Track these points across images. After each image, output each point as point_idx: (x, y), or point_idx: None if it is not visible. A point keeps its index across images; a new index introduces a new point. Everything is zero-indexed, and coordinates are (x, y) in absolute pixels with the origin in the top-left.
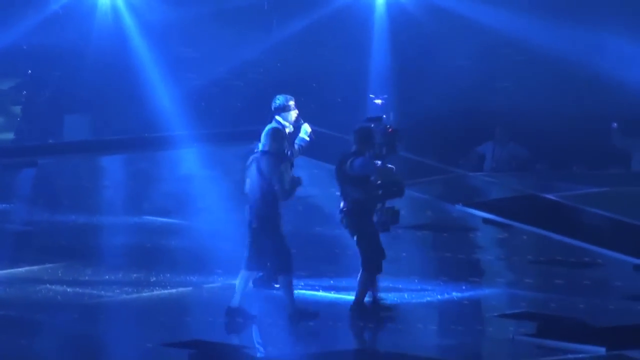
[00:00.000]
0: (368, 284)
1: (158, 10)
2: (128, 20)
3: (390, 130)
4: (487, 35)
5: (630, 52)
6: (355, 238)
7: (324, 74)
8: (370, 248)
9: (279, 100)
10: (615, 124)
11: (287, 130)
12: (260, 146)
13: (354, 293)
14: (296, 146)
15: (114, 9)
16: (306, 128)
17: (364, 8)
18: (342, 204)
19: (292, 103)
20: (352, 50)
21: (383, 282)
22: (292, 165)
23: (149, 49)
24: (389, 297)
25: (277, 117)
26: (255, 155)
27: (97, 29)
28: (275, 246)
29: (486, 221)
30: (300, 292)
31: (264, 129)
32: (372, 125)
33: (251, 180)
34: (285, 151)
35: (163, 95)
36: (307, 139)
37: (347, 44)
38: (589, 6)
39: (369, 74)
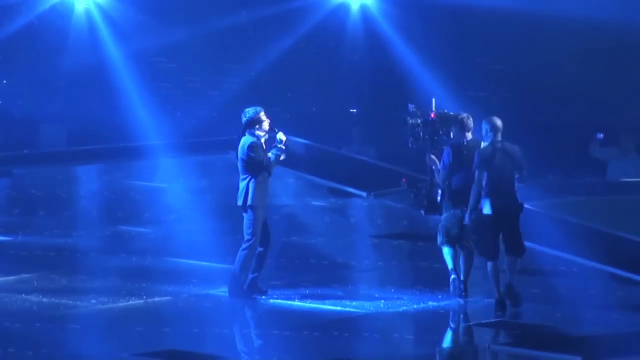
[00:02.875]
0: None
1: (133, 21)
2: (103, 30)
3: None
4: (462, 44)
5: None
6: None
7: (299, 83)
8: None
9: (249, 112)
10: (602, 135)
11: (263, 140)
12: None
13: (330, 302)
14: (272, 156)
15: (90, 19)
16: (281, 137)
17: (337, 18)
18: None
19: (262, 114)
20: (326, 60)
21: (359, 291)
22: (269, 175)
23: (124, 58)
24: (365, 306)
25: (251, 130)
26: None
27: (72, 39)
28: None
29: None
30: (276, 302)
31: (238, 139)
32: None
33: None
34: (263, 161)
35: (138, 105)
36: (283, 147)
37: (322, 53)
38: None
39: (343, 83)
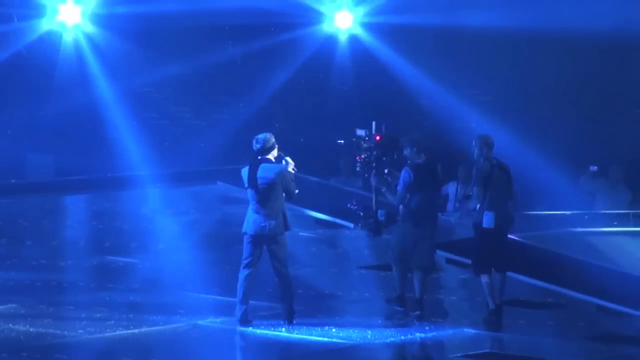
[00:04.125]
0: None
1: (122, 51)
2: (91, 60)
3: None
4: (451, 76)
5: None
6: None
7: (286, 114)
8: None
9: (265, 138)
10: (595, 167)
11: None
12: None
13: (316, 333)
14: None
15: (78, 49)
16: (289, 160)
17: (326, 49)
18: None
19: (274, 140)
20: (314, 91)
21: (346, 322)
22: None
23: (112, 89)
24: (352, 337)
25: (268, 156)
26: None
27: (60, 69)
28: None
29: (449, 261)
30: (264, 332)
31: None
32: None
33: None
34: None
35: (126, 135)
36: (293, 172)
37: (309, 84)
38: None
39: (331, 114)
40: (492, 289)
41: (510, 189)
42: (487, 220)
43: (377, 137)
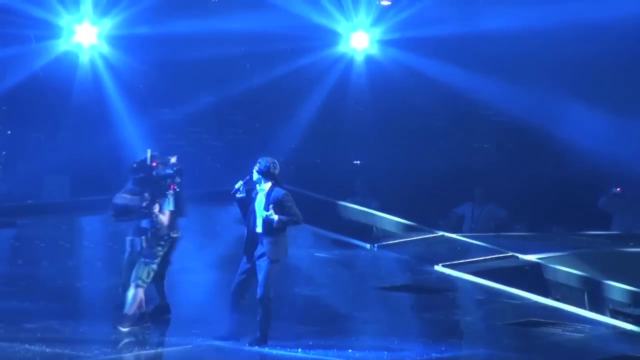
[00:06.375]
0: None
1: (138, 72)
2: (108, 81)
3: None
4: (467, 97)
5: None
6: None
7: (303, 135)
8: None
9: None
10: (618, 189)
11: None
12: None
13: (332, 354)
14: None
15: (94, 71)
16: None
17: (342, 70)
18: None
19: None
20: (331, 110)
21: (362, 343)
22: None
23: (128, 110)
24: (368, 358)
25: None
26: None
27: (77, 91)
28: None
29: None
30: (279, 353)
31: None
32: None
33: None
34: None
35: (142, 155)
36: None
37: (326, 103)
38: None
39: (347, 135)
40: None
41: None
42: None
43: (154, 164)
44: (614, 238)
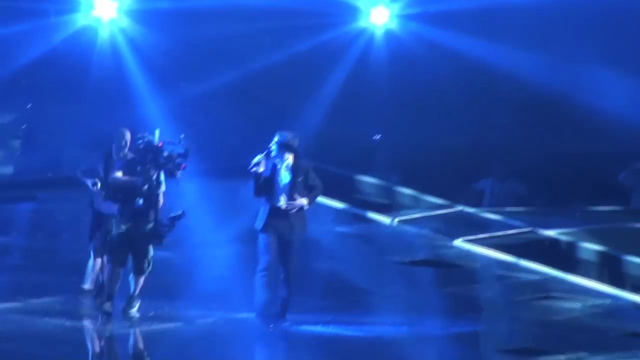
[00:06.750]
0: None
1: (157, 46)
2: (127, 55)
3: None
4: (486, 72)
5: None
6: None
7: (323, 109)
8: None
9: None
10: None
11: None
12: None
13: (352, 328)
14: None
15: (114, 45)
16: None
17: (362, 45)
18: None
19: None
20: (351, 85)
21: (382, 318)
22: None
23: (147, 84)
24: (388, 333)
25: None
26: None
27: (96, 64)
28: None
29: None
30: (299, 328)
31: None
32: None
33: None
34: None
35: (161, 128)
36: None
37: (346, 79)
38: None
39: (367, 108)
40: None
41: None
42: None
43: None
44: (634, 213)
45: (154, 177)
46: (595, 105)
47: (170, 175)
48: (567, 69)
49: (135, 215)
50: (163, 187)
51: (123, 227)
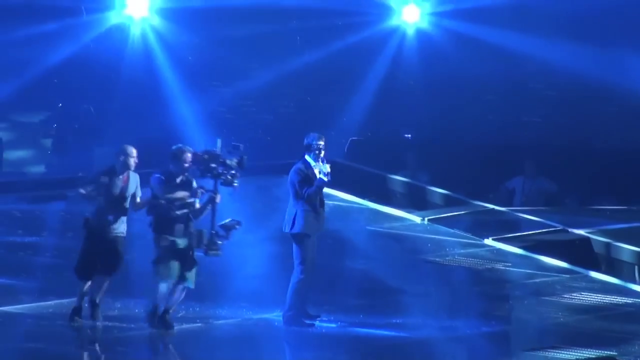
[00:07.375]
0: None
1: (189, 45)
2: (159, 53)
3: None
4: (518, 69)
5: None
6: None
7: (354, 108)
8: None
9: (308, 138)
10: None
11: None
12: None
13: (382, 327)
14: (314, 187)
15: (145, 43)
16: (325, 169)
17: (393, 41)
18: None
19: (320, 142)
20: (382, 85)
21: (412, 317)
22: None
23: (179, 82)
24: (418, 332)
25: (306, 156)
26: None
27: (127, 63)
28: None
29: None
30: (329, 327)
31: (293, 163)
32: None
33: None
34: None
35: (192, 127)
36: (325, 179)
37: (378, 77)
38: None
39: (398, 108)
40: None
41: None
42: None
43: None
44: None
45: (213, 186)
46: (631, 101)
47: (226, 184)
48: (603, 61)
49: (188, 228)
50: (219, 197)
51: (179, 241)
